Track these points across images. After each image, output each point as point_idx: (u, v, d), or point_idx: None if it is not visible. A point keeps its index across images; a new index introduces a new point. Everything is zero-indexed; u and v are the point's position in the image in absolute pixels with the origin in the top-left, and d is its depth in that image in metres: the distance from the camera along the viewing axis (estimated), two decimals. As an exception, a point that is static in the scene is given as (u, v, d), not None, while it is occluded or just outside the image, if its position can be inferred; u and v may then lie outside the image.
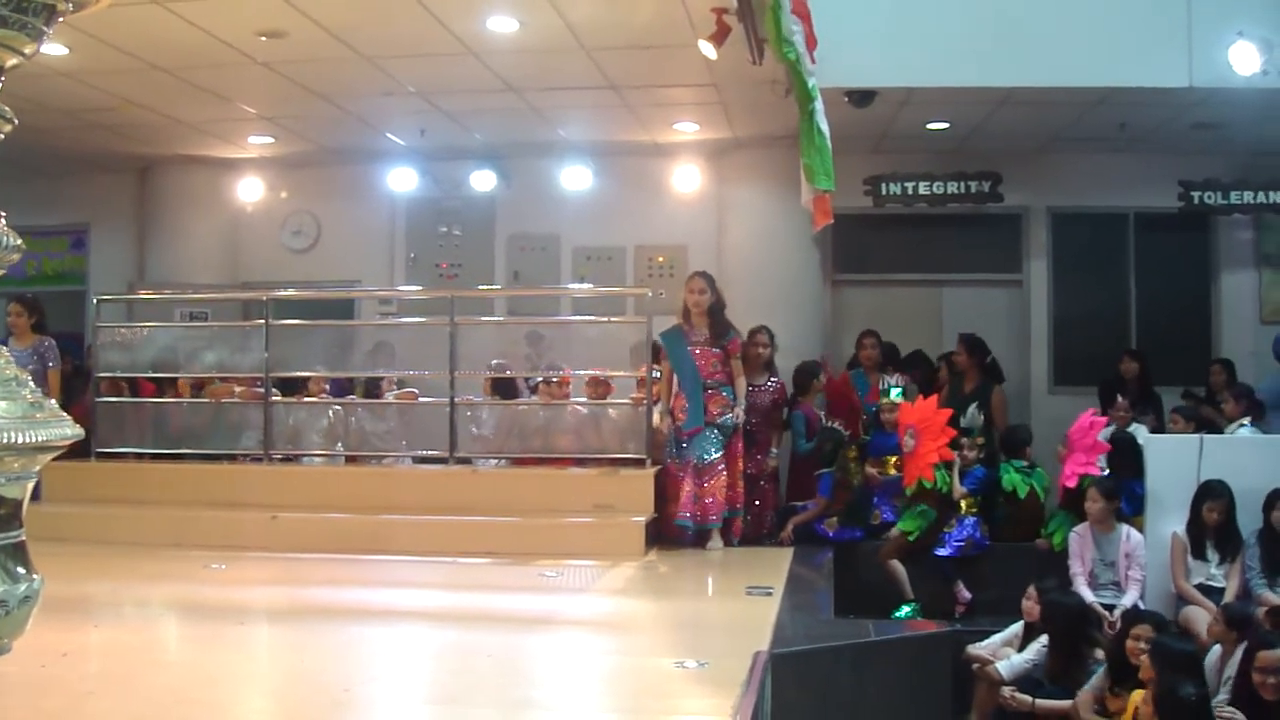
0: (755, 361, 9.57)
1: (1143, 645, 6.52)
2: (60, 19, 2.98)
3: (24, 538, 3.05)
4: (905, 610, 8.58)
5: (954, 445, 8.99)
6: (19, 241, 3.05)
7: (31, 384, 3.00)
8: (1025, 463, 9.31)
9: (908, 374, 10.58)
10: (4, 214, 3.03)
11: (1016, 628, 7.58)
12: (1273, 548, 7.88)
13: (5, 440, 2.85)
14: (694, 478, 8.62)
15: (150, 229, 13.13)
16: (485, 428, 9.50)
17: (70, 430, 3.00)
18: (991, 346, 10.88)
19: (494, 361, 9.75)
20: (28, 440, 2.89)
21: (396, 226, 13.18)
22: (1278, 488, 7.94)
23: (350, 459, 9.78)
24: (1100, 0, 9.51)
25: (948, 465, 8.88)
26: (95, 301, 10.13)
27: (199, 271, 12.81)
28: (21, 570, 3.00)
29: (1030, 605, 7.43)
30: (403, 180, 12.52)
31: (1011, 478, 9.06)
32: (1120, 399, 10.12)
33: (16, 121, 3.04)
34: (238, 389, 9.86)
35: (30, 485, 3.02)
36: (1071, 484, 8.79)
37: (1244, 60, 9.12)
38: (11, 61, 2.97)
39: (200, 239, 13.04)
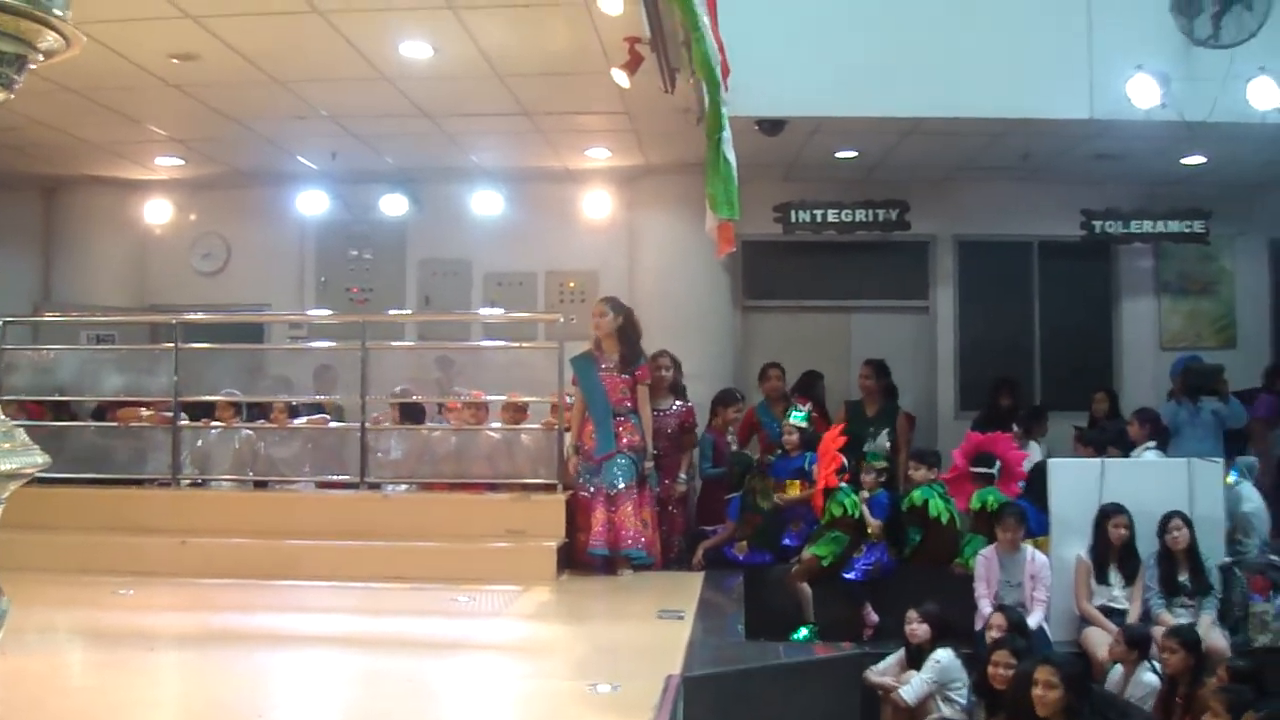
0: (659, 385, 9.60)
1: (1003, 671, 6.66)
2: (32, 67, 3.00)
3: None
4: (803, 633, 8.65)
5: (853, 470, 9.15)
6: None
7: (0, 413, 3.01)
8: (945, 487, 9.41)
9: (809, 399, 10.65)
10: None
11: (900, 652, 7.65)
12: (1169, 569, 8.07)
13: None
14: (605, 505, 8.63)
15: (56, 250, 12.93)
16: (396, 453, 9.50)
17: (40, 459, 3.02)
18: (899, 372, 11.06)
19: (398, 387, 9.77)
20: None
21: (307, 250, 13.11)
22: (1171, 511, 8.15)
23: (259, 484, 9.71)
24: (1004, 34, 9.70)
25: (849, 491, 9.00)
26: (0, 324, 9.98)
27: (106, 293, 12.66)
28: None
29: (913, 628, 7.53)
30: (313, 203, 12.46)
31: (935, 504, 9.13)
32: (1015, 428, 10.25)
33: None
34: (145, 412, 9.77)
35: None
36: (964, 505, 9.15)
37: (1143, 93, 9.34)
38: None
39: (107, 260, 12.87)
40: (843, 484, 9.01)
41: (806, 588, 8.81)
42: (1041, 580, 8.23)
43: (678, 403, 9.90)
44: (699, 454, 10.13)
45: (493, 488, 9.14)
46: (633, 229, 12.51)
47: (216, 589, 7.90)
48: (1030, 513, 8.62)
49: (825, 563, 8.81)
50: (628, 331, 9.02)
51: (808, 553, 8.95)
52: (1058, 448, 10.75)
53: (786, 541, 9.38)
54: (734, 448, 10.17)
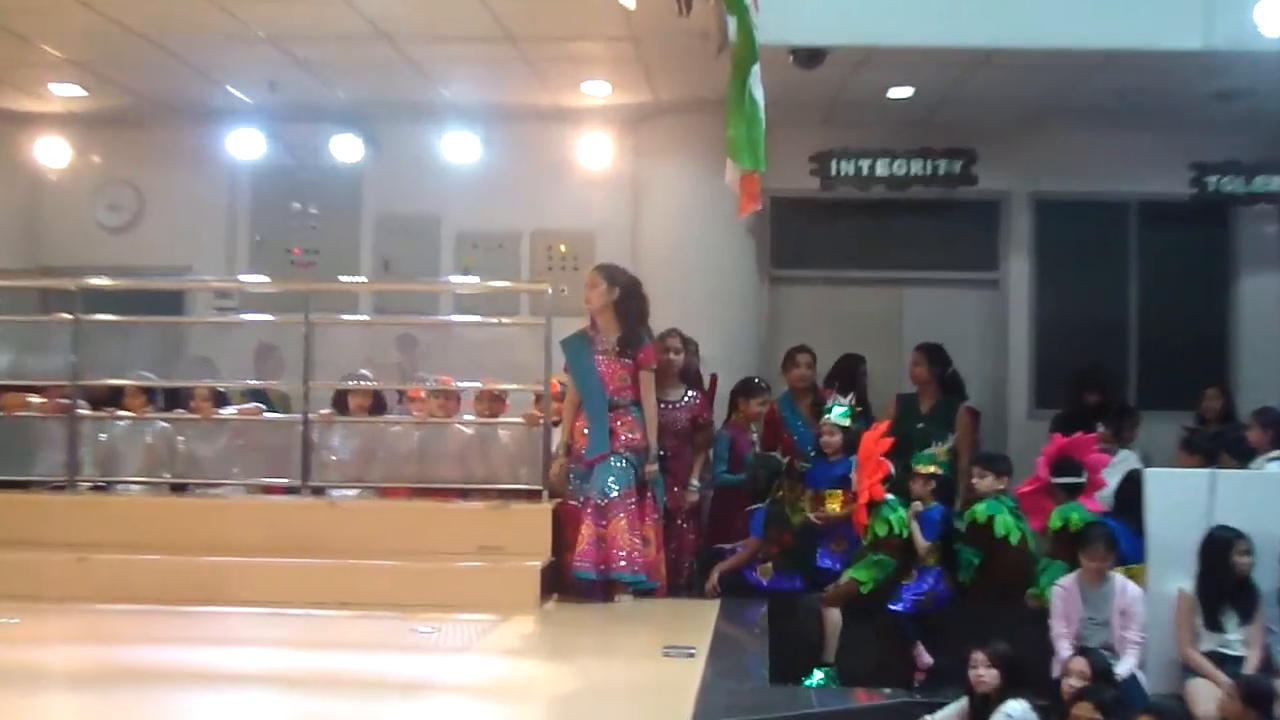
0: (667, 371, 9.59)
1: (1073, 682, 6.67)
2: None
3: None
4: (818, 676, 8.66)
5: (902, 478, 9.16)
6: None
7: None
8: (1016, 500, 9.33)
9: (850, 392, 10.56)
10: None
11: (962, 702, 7.62)
12: (1300, 605, 8.03)
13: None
14: (595, 517, 8.65)
15: (-73, 199, 12.95)
16: (346, 451, 9.52)
17: None
18: (961, 360, 11.05)
19: (361, 371, 9.80)
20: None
21: (239, 203, 13.11)
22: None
23: (178, 488, 9.73)
24: (1097, -56, 9.68)
25: (896, 504, 8.99)
26: None
27: (-13, 252, 12.68)
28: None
29: (980, 674, 7.48)
30: (247, 146, 12.45)
31: (1004, 520, 9.07)
32: (1101, 427, 10.16)
33: None
34: (34, 399, 9.77)
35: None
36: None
37: (1273, 19, 9.25)
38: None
39: (-13, 212, 12.90)
40: (889, 496, 9.02)
41: (836, 615, 8.81)
42: (1134, 618, 8.19)
43: (690, 393, 9.88)
44: (715, 456, 10.12)
45: (464, 494, 9.18)
46: (638, 181, 12.51)
47: (123, 617, 7.92)
48: (1121, 534, 8.58)
49: (866, 589, 8.81)
50: (629, 306, 9.05)
51: (847, 576, 8.96)
52: (1157, 454, 10.65)
53: (823, 564, 9.39)
54: (756, 448, 10.15)
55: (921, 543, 8.91)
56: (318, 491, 9.20)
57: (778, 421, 10.48)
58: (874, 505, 8.98)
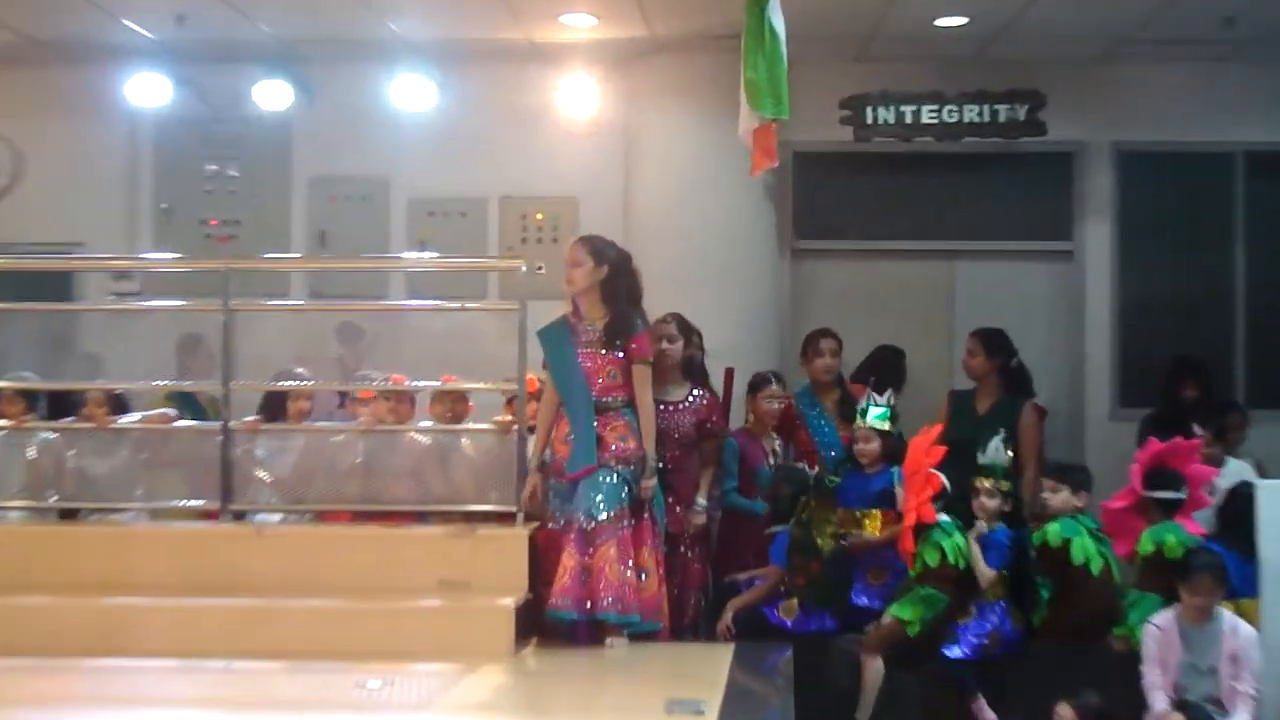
0: (664, 365, 9.56)
1: None
2: None
3: None
4: None
5: (958, 493, 9.16)
6: None
7: None
8: (1097, 520, 9.28)
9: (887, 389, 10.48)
10: None
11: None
12: None
13: None
14: (579, 545, 8.60)
15: None
16: (276, 467, 9.52)
17: None
18: (1028, 348, 11.08)
19: (294, 369, 9.81)
20: None
21: (140, 163, 13.13)
22: None
23: (67, 514, 9.73)
24: None
25: (952, 527, 8.98)
26: None
27: None
28: None
29: (1065, 732, 7.50)
30: (150, 93, 12.43)
31: (1083, 544, 9.02)
32: (1198, 429, 10.13)
33: None
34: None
35: None
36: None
37: None
38: None
39: None
40: (942, 517, 9.01)
41: (878, 663, 8.79)
42: (1246, 664, 8.18)
43: (696, 392, 9.86)
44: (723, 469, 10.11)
45: (420, 518, 9.19)
46: (630, 134, 12.52)
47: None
48: (1228, 563, 8.59)
49: (913, 630, 8.80)
50: (618, 287, 9.02)
51: (889, 615, 8.95)
52: (1273, 463, 10.69)
53: (859, 600, 9.39)
54: (773, 459, 10.14)
55: (985, 572, 8.85)
56: (241, 516, 9.20)
57: (794, 419, 10.48)
58: (923, 529, 8.95)
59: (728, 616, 9.42)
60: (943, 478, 9.00)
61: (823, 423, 10.38)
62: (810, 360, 10.74)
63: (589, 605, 8.53)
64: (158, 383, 10.36)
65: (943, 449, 9.11)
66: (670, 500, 9.41)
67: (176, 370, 10.47)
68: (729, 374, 10.43)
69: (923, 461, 9.02)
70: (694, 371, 9.99)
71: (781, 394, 10.30)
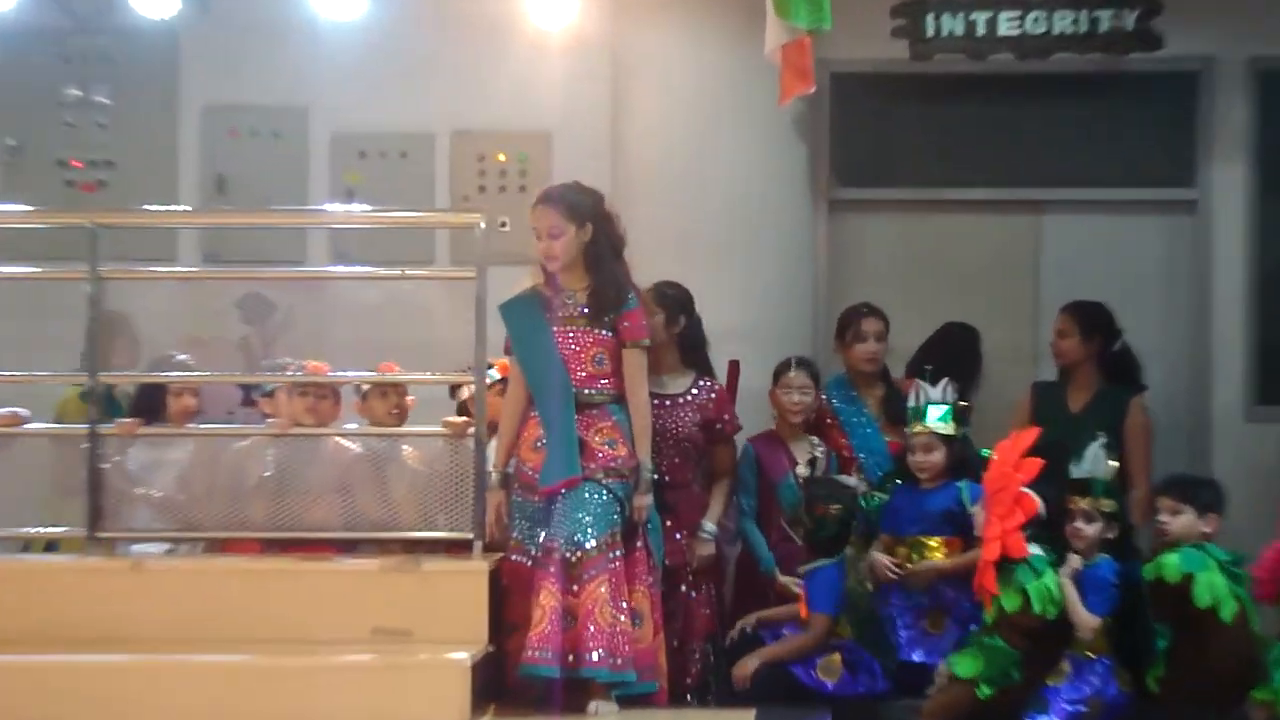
0: (662, 347, 9.54)
1: None
2: None
3: None
4: None
5: (1054, 516, 8.98)
6: None
7: None
8: (1234, 555, 9.16)
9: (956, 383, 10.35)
10: None
11: None
12: None
13: None
14: (560, 580, 8.50)
15: None
16: (159, 481, 9.40)
17: None
18: (1136, 328, 11.05)
19: (179, 358, 9.77)
20: None
21: (-20, 89, 13.04)
22: None
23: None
24: None
25: (1045, 561, 8.82)
26: None
27: None
28: None
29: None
30: (-10, -3, 12.36)
31: (1211, 582, 8.88)
32: None
33: None
34: None
35: None
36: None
37: None
38: None
39: None
40: (1035, 550, 8.83)
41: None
42: None
43: (701, 382, 9.90)
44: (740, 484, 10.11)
45: (349, 548, 9.17)
46: (619, 54, 12.36)
47: None
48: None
49: (985, 693, 8.67)
50: (602, 250, 8.94)
51: (945, 671, 8.83)
52: None
53: (914, 656, 9.32)
54: (802, 467, 9.91)
55: (1085, 619, 8.70)
56: (112, 546, 9.08)
57: (827, 422, 10.40)
58: (1006, 564, 8.79)
59: (750, 665, 9.19)
60: (1038, 499, 8.81)
61: (864, 421, 10.37)
62: (849, 345, 10.70)
63: (571, 659, 8.43)
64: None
65: (1038, 461, 8.90)
66: (668, 524, 9.36)
67: (82, 361, 10.27)
68: (733, 368, 10.27)
69: (1012, 477, 8.83)
70: (697, 356, 9.90)
71: (805, 382, 10.16)
